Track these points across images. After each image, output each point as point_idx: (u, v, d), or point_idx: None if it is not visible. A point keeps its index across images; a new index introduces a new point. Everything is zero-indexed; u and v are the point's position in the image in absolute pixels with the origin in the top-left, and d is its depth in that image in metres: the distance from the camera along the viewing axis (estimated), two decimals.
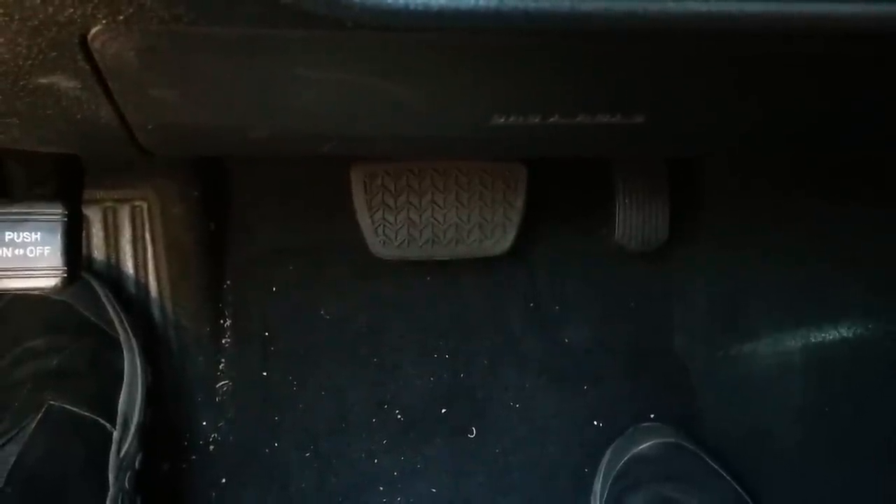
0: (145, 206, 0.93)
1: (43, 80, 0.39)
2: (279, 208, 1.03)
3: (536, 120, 0.45)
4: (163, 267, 0.94)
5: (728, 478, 0.87)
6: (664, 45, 0.37)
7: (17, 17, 0.34)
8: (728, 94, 0.44)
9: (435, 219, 0.94)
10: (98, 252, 0.92)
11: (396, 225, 0.95)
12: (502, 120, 0.45)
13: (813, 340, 0.87)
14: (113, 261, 0.93)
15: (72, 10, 0.34)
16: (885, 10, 0.35)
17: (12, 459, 0.67)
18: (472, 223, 0.95)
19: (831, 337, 0.85)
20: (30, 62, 0.37)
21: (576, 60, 0.40)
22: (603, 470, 0.92)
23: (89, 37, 0.36)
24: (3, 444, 0.69)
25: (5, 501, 0.65)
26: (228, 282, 1.02)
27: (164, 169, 0.93)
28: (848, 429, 0.82)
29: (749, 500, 0.86)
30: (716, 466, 0.88)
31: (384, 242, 0.95)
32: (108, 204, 0.93)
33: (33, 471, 0.68)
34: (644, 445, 0.90)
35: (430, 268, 1.02)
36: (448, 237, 0.96)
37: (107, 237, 0.93)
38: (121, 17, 0.35)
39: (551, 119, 0.45)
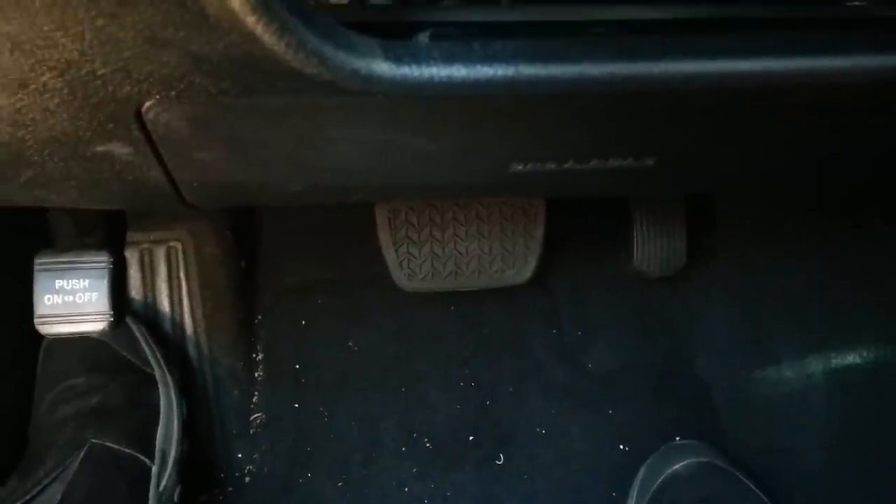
0: (180, 246, 0.97)
1: (100, 148, 0.43)
2: (307, 245, 1.06)
3: (552, 166, 0.49)
4: (197, 304, 0.98)
5: (763, 496, 0.88)
6: (670, 98, 0.40)
7: (80, 94, 0.38)
8: (734, 139, 0.47)
9: (458, 251, 0.98)
10: (135, 291, 0.96)
11: (420, 258, 0.98)
12: (520, 167, 0.48)
13: (834, 361, 0.89)
14: (150, 300, 0.97)
15: (129, 87, 0.38)
16: (879, 63, 0.38)
17: (58, 497, 0.70)
18: (493, 254, 0.98)
19: (852, 357, 0.86)
20: (89, 133, 0.41)
21: (587, 114, 0.43)
22: (637, 489, 0.93)
23: (143, 109, 0.40)
24: (49, 483, 0.72)
25: None
26: (259, 317, 1.05)
27: (197, 212, 0.97)
28: (871, 449, 0.83)
29: None
30: (750, 484, 0.89)
31: (409, 275, 0.98)
32: (145, 245, 0.97)
33: None
34: (679, 465, 0.90)
35: (454, 298, 1.05)
36: (471, 268, 0.99)
37: (143, 277, 0.97)
38: (173, 93, 0.38)
39: (566, 165, 0.49)
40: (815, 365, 0.92)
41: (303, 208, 1.05)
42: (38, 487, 0.71)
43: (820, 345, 0.91)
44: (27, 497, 0.70)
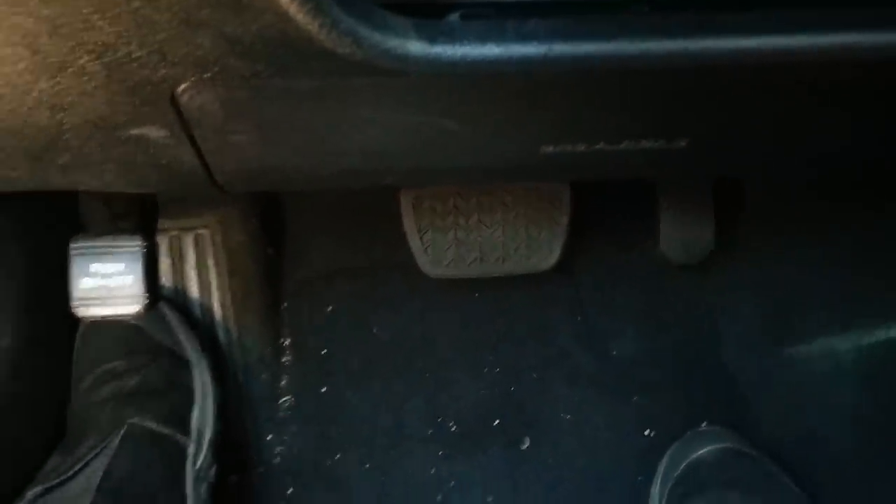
0: (208, 234, 0.98)
1: (135, 131, 0.43)
2: (332, 233, 1.07)
3: (582, 148, 0.48)
4: (226, 291, 0.99)
5: (789, 481, 0.88)
6: (705, 77, 0.40)
7: (116, 77, 0.39)
8: (768, 119, 0.46)
9: (482, 238, 0.98)
10: (165, 278, 0.97)
11: (445, 245, 0.98)
12: (550, 149, 0.48)
13: (862, 344, 0.88)
14: (180, 287, 0.98)
15: (164, 70, 0.38)
16: None
17: (99, 474, 0.72)
18: (518, 241, 0.98)
19: (880, 340, 0.86)
20: (125, 116, 0.42)
21: (619, 93, 0.43)
22: (661, 474, 0.93)
23: (177, 92, 0.41)
24: (91, 460, 0.74)
25: None
26: (286, 303, 1.06)
27: (226, 199, 0.98)
28: None
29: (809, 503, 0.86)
30: (775, 470, 0.89)
31: (434, 262, 0.98)
32: (174, 233, 0.98)
33: (120, 484, 0.73)
34: (703, 451, 0.90)
35: (478, 285, 1.05)
36: (495, 255, 0.99)
37: (173, 264, 0.98)
38: (207, 75, 0.39)
39: (597, 146, 0.48)
40: (843, 350, 0.92)
41: (328, 197, 1.06)
42: (81, 464, 0.73)
43: (848, 330, 0.91)
44: (70, 472, 0.72)
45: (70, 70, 0.37)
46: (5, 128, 0.42)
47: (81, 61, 0.36)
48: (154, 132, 0.43)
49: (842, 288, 0.91)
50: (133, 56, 0.36)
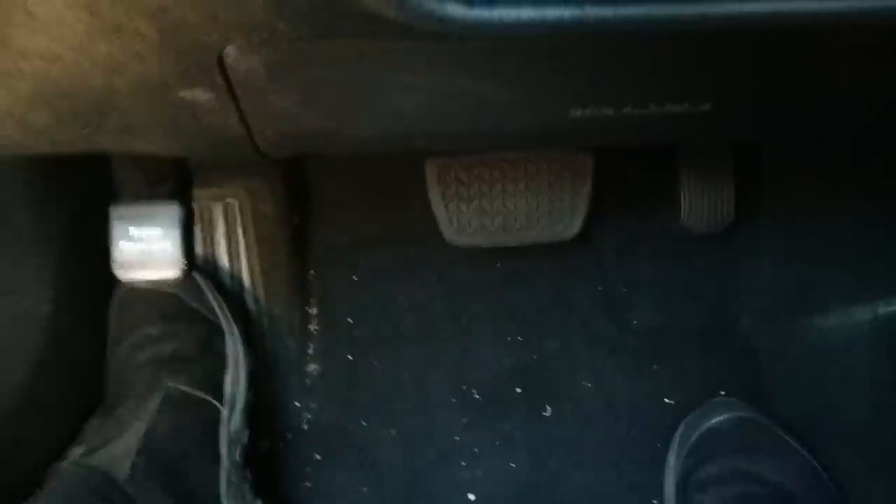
0: (237, 203, 1.00)
1: (183, 94, 0.45)
2: (357, 203, 1.09)
3: (610, 112, 0.50)
4: (255, 259, 1.02)
5: (801, 450, 0.90)
6: (731, 41, 0.41)
7: (168, 40, 0.40)
8: (795, 83, 0.47)
9: (506, 207, 0.99)
10: (197, 247, 1.00)
11: (469, 214, 1.00)
12: (579, 113, 0.50)
13: (881, 312, 0.89)
14: (209, 255, 1.00)
15: (214, 34, 0.40)
16: None
17: (140, 435, 0.75)
18: (541, 210, 1.00)
19: None
20: (174, 78, 0.44)
21: (648, 57, 0.45)
22: (676, 444, 0.95)
23: (225, 54, 0.42)
24: (132, 421, 0.77)
25: (138, 473, 0.73)
26: (313, 272, 1.08)
27: (252, 169, 1.00)
28: None
29: (823, 471, 0.88)
30: (788, 439, 0.91)
31: (458, 231, 1.00)
32: (204, 202, 1.00)
33: (159, 444, 0.76)
34: (717, 419, 0.92)
35: (501, 254, 1.07)
36: (518, 224, 1.01)
37: (203, 233, 1.00)
38: (254, 38, 0.41)
39: (624, 110, 0.50)
40: (862, 320, 0.93)
41: (353, 166, 1.08)
42: (122, 425, 0.76)
43: (867, 297, 0.91)
44: (112, 433, 0.75)
45: (126, 32, 0.39)
46: (59, 90, 0.44)
47: (136, 24, 0.38)
48: (201, 95, 0.45)
49: (861, 256, 0.92)
50: (186, 19, 0.38)
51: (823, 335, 0.98)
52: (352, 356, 1.06)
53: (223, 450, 0.80)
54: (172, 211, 0.67)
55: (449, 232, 1.00)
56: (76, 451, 0.76)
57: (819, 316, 0.98)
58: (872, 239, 0.91)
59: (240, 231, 1.01)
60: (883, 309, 0.90)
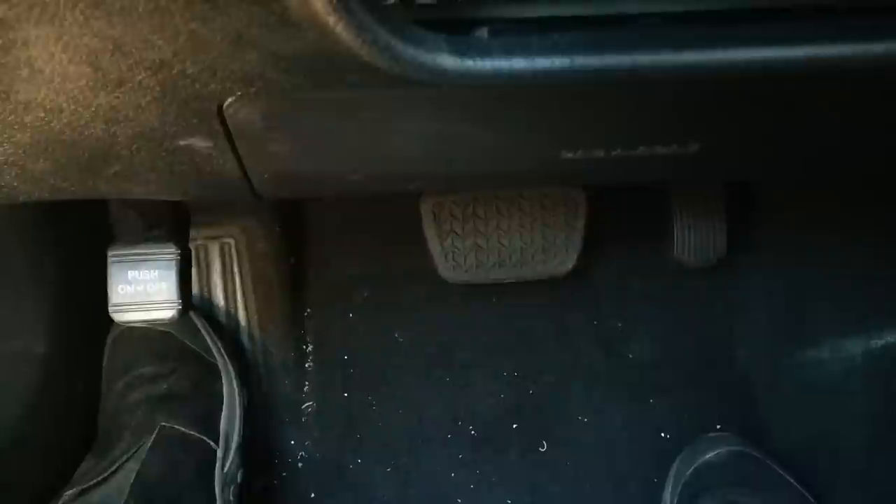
0: (233, 242, 1.01)
1: (183, 142, 0.46)
2: (352, 241, 1.10)
3: (601, 153, 0.51)
4: (250, 298, 1.02)
5: (795, 483, 0.90)
6: (717, 86, 0.43)
7: (169, 92, 0.41)
8: (778, 126, 0.49)
9: (501, 243, 1.00)
10: (193, 286, 1.00)
11: (465, 251, 1.01)
12: (570, 155, 0.51)
13: (874, 345, 0.90)
14: (206, 294, 1.01)
15: (214, 85, 0.41)
16: None
17: (133, 475, 0.75)
18: (535, 246, 1.01)
19: (892, 341, 0.87)
20: (175, 128, 0.45)
21: (635, 101, 0.46)
22: (672, 478, 0.95)
23: (224, 105, 0.43)
24: (125, 462, 0.76)
25: None
26: (309, 310, 1.09)
27: (249, 209, 1.01)
28: None
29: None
30: (782, 472, 0.91)
31: (454, 267, 1.01)
32: (200, 242, 1.01)
33: (152, 486, 0.75)
34: (711, 454, 0.93)
35: (497, 290, 1.08)
36: (513, 260, 1.02)
37: (199, 272, 1.01)
38: (252, 89, 0.42)
39: (614, 152, 0.51)
40: (855, 352, 0.93)
41: (349, 206, 1.09)
42: (115, 466, 0.76)
43: (860, 331, 0.92)
44: (105, 474, 0.75)
45: (128, 86, 0.40)
46: (62, 140, 0.45)
47: (139, 77, 0.39)
48: (200, 143, 0.46)
49: (855, 291, 0.93)
50: (186, 73, 0.39)
51: (817, 368, 0.99)
52: (347, 393, 1.06)
53: (217, 490, 0.80)
54: (169, 253, 0.67)
55: (444, 269, 1.01)
56: (68, 493, 0.76)
57: (812, 349, 0.99)
58: (863, 272, 0.92)
59: (236, 270, 1.02)
60: (875, 342, 0.90)
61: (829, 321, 0.98)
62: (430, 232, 1.00)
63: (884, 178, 0.88)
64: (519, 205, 1.00)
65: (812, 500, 0.89)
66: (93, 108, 0.41)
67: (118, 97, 0.41)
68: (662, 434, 1.05)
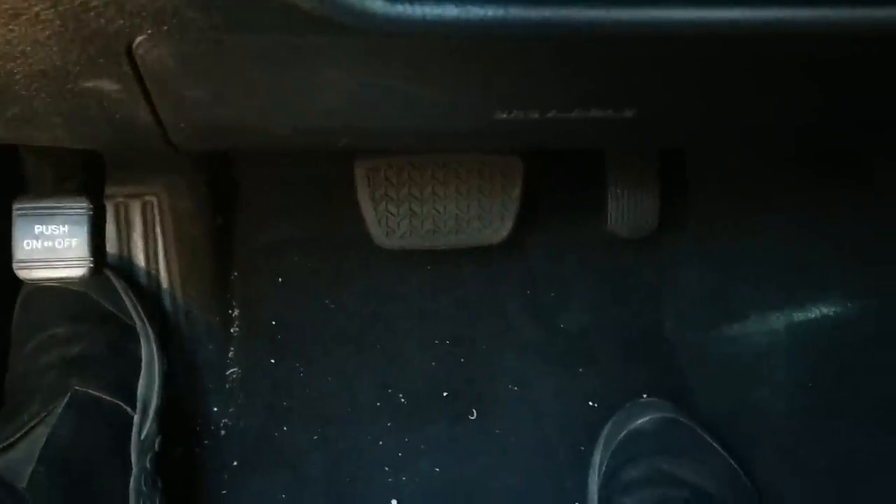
0: (155, 201, 0.97)
1: (88, 84, 0.43)
2: (284, 203, 1.07)
3: (535, 115, 0.50)
4: (173, 259, 0.98)
5: (721, 451, 0.92)
6: (653, 46, 0.41)
7: (71, 27, 0.38)
8: (712, 90, 0.48)
9: (436, 210, 0.99)
10: (111, 246, 0.95)
11: (399, 216, 0.99)
12: (504, 115, 0.49)
13: (797, 319, 0.92)
14: (125, 254, 0.96)
15: (121, 21, 0.38)
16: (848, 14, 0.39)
17: (42, 440, 0.71)
18: (471, 213, 1.00)
19: (814, 315, 0.90)
20: (78, 67, 0.41)
21: (570, 61, 0.44)
22: (602, 443, 0.96)
23: (134, 45, 0.40)
24: (34, 426, 0.72)
25: (38, 481, 0.69)
26: (236, 273, 1.05)
27: (173, 165, 0.96)
28: (830, 399, 0.87)
29: (741, 471, 0.91)
30: (709, 440, 0.93)
31: (387, 233, 0.99)
32: (120, 199, 0.96)
33: (63, 452, 0.72)
34: (642, 420, 0.94)
35: (431, 257, 1.06)
36: (448, 227, 1.00)
37: (119, 231, 0.97)
38: (164, 28, 0.38)
39: (549, 114, 0.50)
40: (779, 324, 0.96)
41: (281, 166, 1.05)
42: (23, 430, 0.72)
43: (785, 304, 0.94)
44: (12, 439, 0.71)
45: (24, 17, 0.36)
46: None
47: (36, 9, 0.36)
48: (108, 85, 0.43)
49: (780, 263, 0.95)
50: (89, 5, 0.36)
51: (742, 340, 1.01)
52: (274, 360, 1.03)
53: (134, 457, 0.77)
54: (81, 207, 0.63)
55: (378, 234, 0.99)
56: None
57: (738, 322, 1.01)
58: (790, 248, 0.94)
59: (158, 230, 0.97)
60: (798, 315, 0.92)
61: (754, 295, 1.00)
62: (363, 196, 0.97)
63: (814, 153, 0.89)
64: (456, 171, 0.98)
65: (736, 466, 0.91)
66: None
67: (14, 30, 0.37)
68: (591, 403, 1.06)
